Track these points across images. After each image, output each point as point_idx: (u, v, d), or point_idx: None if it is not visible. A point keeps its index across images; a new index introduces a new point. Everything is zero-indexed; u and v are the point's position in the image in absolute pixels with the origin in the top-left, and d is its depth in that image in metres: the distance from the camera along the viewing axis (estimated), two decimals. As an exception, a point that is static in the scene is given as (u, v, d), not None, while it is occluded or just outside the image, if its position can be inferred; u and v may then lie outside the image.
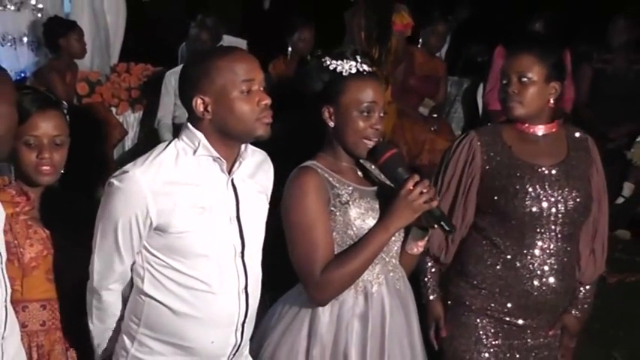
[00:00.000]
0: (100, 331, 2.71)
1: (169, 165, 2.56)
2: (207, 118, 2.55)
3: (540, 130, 3.22)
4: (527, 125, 3.21)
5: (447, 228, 2.78)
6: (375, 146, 2.80)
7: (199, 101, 2.54)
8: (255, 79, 2.56)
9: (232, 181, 2.65)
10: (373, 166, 2.91)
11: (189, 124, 2.61)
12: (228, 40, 7.89)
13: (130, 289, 2.68)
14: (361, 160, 2.91)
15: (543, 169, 3.19)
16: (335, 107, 2.82)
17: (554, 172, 3.19)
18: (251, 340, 2.86)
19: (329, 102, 2.83)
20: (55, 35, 6.65)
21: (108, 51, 8.09)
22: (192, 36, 7.25)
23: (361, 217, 2.79)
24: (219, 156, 2.59)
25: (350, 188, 2.82)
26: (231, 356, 2.74)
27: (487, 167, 3.18)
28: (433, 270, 3.34)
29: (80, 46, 6.76)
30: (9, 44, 7.21)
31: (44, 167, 2.76)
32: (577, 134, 3.37)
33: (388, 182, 2.85)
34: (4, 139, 2.43)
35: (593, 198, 3.28)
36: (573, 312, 3.37)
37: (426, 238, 2.92)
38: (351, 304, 2.84)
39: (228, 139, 2.59)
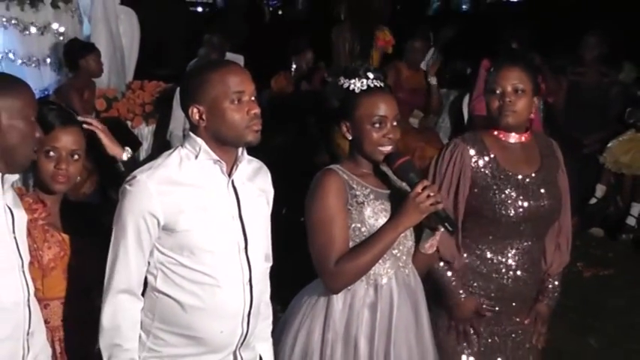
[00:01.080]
0: (107, 345, 2.64)
1: (174, 169, 2.61)
2: (202, 125, 2.60)
3: (518, 138, 3.23)
4: (508, 134, 3.21)
5: (451, 228, 2.82)
6: (390, 153, 2.86)
7: (195, 110, 2.60)
8: (245, 90, 2.60)
9: (233, 182, 2.68)
10: (390, 171, 2.94)
11: (190, 133, 2.66)
12: (228, 55, 7.92)
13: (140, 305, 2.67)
14: (381, 166, 2.95)
15: (524, 177, 3.20)
16: (350, 122, 2.89)
17: (532, 180, 3.21)
18: (274, 329, 2.94)
19: (345, 117, 2.90)
20: (75, 56, 6.65)
21: (123, 70, 8.09)
22: (202, 55, 7.27)
23: (374, 216, 2.86)
24: (219, 159, 2.62)
25: (367, 190, 2.89)
26: (239, 345, 2.74)
27: (475, 177, 3.19)
28: (450, 273, 3.26)
29: (98, 67, 6.77)
30: (33, 65, 7.21)
31: (60, 177, 2.79)
32: (543, 139, 3.40)
33: (403, 186, 2.89)
34: (18, 149, 2.45)
35: (562, 199, 3.30)
36: (545, 302, 3.40)
37: (437, 239, 2.95)
38: (362, 295, 2.90)
39: (223, 145, 2.63)
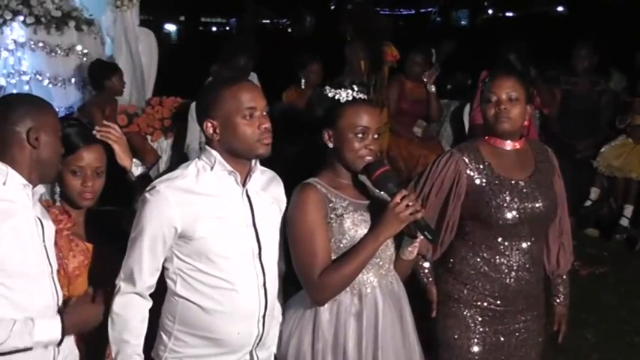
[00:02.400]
0: (116, 339, 2.64)
1: (191, 180, 2.62)
2: (216, 139, 2.62)
3: (513, 145, 3.21)
4: (503, 141, 3.20)
5: (430, 237, 2.76)
6: (370, 163, 2.78)
7: (209, 124, 2.61)
8: (257, 106, 2.60)
9: (247, 192, 2.68)
10: (369, 182, 2.88)
11: (206, 146, 2.66)
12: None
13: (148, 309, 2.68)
14: (360, 177, 2.89)
15: (519, 182, 3.18)
16: (333, 130, 2.81)
17: (527, 184, 3.19)
18: None
19: (328, 126, 2.82)
20: (101, 77, 6.70)
21: (143, 87, 8.11)
22: (215, 72, 7.28)
23: (354, 227, 2.78)
24: (233, 170, 2.63)
25: (345, 202, 2.80)
26: (255, 346, 2.74)
27: (471, 184, 3.16)
28: (425, 264, 3.31)
29: (121, 86, 6.83)
30: (59, 85, 7.24)
31: (86, 194, 2.83)
32: (538, 146, 3.38)
33: (381, 196, 2.82)
34: (50, 164, 2.52)
35: (558, 201, 3.28)
36: (562, 302, 3.44)
37: (416, 245, 2.91)
38: (347, 304, 2.82)
39: (236, 157, 2.63)
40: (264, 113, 2.63)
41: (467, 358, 3.23)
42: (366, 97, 2.85)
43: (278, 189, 2.83)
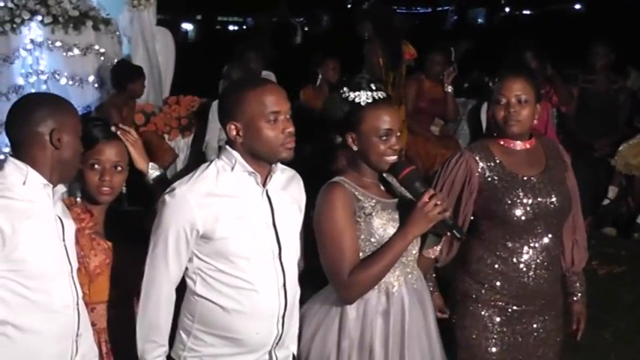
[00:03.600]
0: (145, 331, 2.66)
1: (211, 181, 2.60)
2: (239, 141, 2.59)
3: (522, 145, 3.21)
4: (513, 142, 3.19)
5: (458, 235, 2.79)
6: (396, 163, 2.80)
7: (232, 127, 2.59)
8: (281, 110, 2.58)
9: (267, 192, 2.66)
10: (394, 180, 2.88)
11: (226, 146, 2.65)
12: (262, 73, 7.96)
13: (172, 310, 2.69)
14: (384, 175, 2.90)
15: (531, 178, 3.17)
16: (357, 134, 2.81)
17: (539, 179, 3.18)
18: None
19: (351, 129, 2.81)
20: (125, 79, 6.74)
21: (160, 86, 8.14)
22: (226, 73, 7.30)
23: (383, 226, 2.78)
24: (253, 170, 2.61)
25: (373, 201, 2.81)
26: (275, 345, 2.74)
27: (483, 182, 3.16)
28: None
29: (142, 89, 6.92)
30: (77, 84, 7.28)
31: (104, 188, 2.82)
32: (549, 143, 3.37)
33: (408, 195, 2.83)
34: (71, 164, 2.53)
35: (571, 197, 3.26)
36: (580, 299, 3.42)
37: (441, 244, 2.92)
38: (374, 303, 2.83)
39: (258, 159, 2.62)
40: (288, 117, 2.61)
41: (485, 358, 3.22)
42: (384, 95, 2.84)
43: (298, 188, 2.83)
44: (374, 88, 2.81)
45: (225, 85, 7.07)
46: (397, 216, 2.82)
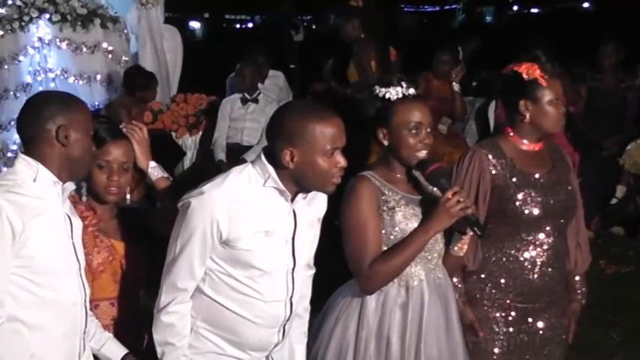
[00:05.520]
0: (161, 342, 2.64)
1: (242, 189, 2.55)
2: (291, 167, 2.52)
3: (528, 146, 3.21)
4: (521, 140, 3.19)
5: (480, 232, 2.80)
6: (423, 160, 2.84)
7: (288, 152, 2.51)
8: (340, 146, 2.55)
9: (294, 210, 2.63)
10: (421, 177, 2.92)
11: (263, 157, 2.58)
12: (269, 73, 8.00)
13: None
14: (413, 172, 2.93)
15: (540, 176, 3.18)
16: (387, 129, 2.85)
17: (547, 179, 3.18)
18: (310, 326, 2.94)
19: (382, 125, 2.86)
20: (136, 86, 6.76)
21: (168, 84, 8.17)
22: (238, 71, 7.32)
23: (405, 220, 2.83)
24: (285, 189, 2.57)
25: (398, 196, 2.86)
26: (272, 350, 2.77)
27: (495, 179, 3.16)
28: (459, 284, 3.22)
29: (154, 96, 6.96)
30: (85, 82, 7.31)
31: (112, 188, 2.81)
32: (553, 146, 3.36)
33: (433, 192, 2.87)
34: (81, 162, 2.53)
35: (577, 198, 3.28)
36: (580, 300, 3.40)
37: (465, 241, 2.94)
38: (394, 295, 2.88)
39: (299, 186, 2.58)
40: (341, 150, 2.57)
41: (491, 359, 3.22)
42: (415, 92, 2.87)
43: (322, 200, 2.78)
44: (404, 85, 2.85)
45: (240, 85, 7.10)
46: (421, 212, 2.86)
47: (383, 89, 2.86)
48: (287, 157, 2.51)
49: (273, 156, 2.55)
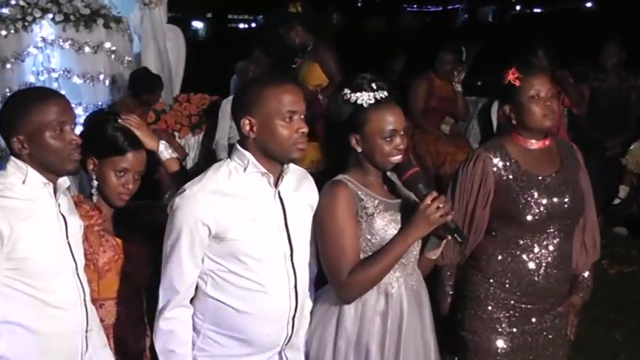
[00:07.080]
0: (162, 350, 2.64)
1: (223, 182, 2.58)
2: (252, 137, 2.57)
3: (541, 144, 3.20)
4: (528, 140, 3.18)
5: (460, 239, 2.75)
6: (400, 164, 2.76)
7: (247, 122, 2.56)
8: (297, 110, 2.56)
9: (279, 193, 2.65)
10: (398, 180, 2.85)
11: (238, 146, 2.62)
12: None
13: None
14: (388, 174, 2.87)
15: (545, 178, 3.16)
16: (361, 135, 2.76)
17: (554, 179, 3.17)
18: None
19: (355, 131, 2.76)
20: (142, 90, 6.75)
21: (171, 84, 8.17)
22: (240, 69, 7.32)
23: (384, 227, 2.74)
24: (266, 171, 2.59)
25: (376, 201, 2.77)
26: (284, 346, 2.74)
27: (499, 181, 3.15)
28: (449, 273, 3.31)
29: (158, 98, 6.93)
30: (88, 82, 7.30)
31: (124, 195, 2.84)
32: (563, 144, 3.36)
33: (411, 196, 2.79)
34: (56, 159, 2.48)
35: (585, 198, 3.26)
36: (581, 294, 3.38)
37: (442, 246, 2.89)
38: (373, 303, 2.79)
39: (269, 158, 2.60)
40: (302, 117, 2.59)
41: (495, 359, 3.21)
42: (386, 94, 2.77)
43: (309, 187, 2.79)
44: (375, 87, 2.76)
45: (242, 80, 7.07)
46: (399, 217, 2.78)
47: (354, 94, 2.75)
48: (247, 126, 2.56)
49: (241, 137, 2.59)
